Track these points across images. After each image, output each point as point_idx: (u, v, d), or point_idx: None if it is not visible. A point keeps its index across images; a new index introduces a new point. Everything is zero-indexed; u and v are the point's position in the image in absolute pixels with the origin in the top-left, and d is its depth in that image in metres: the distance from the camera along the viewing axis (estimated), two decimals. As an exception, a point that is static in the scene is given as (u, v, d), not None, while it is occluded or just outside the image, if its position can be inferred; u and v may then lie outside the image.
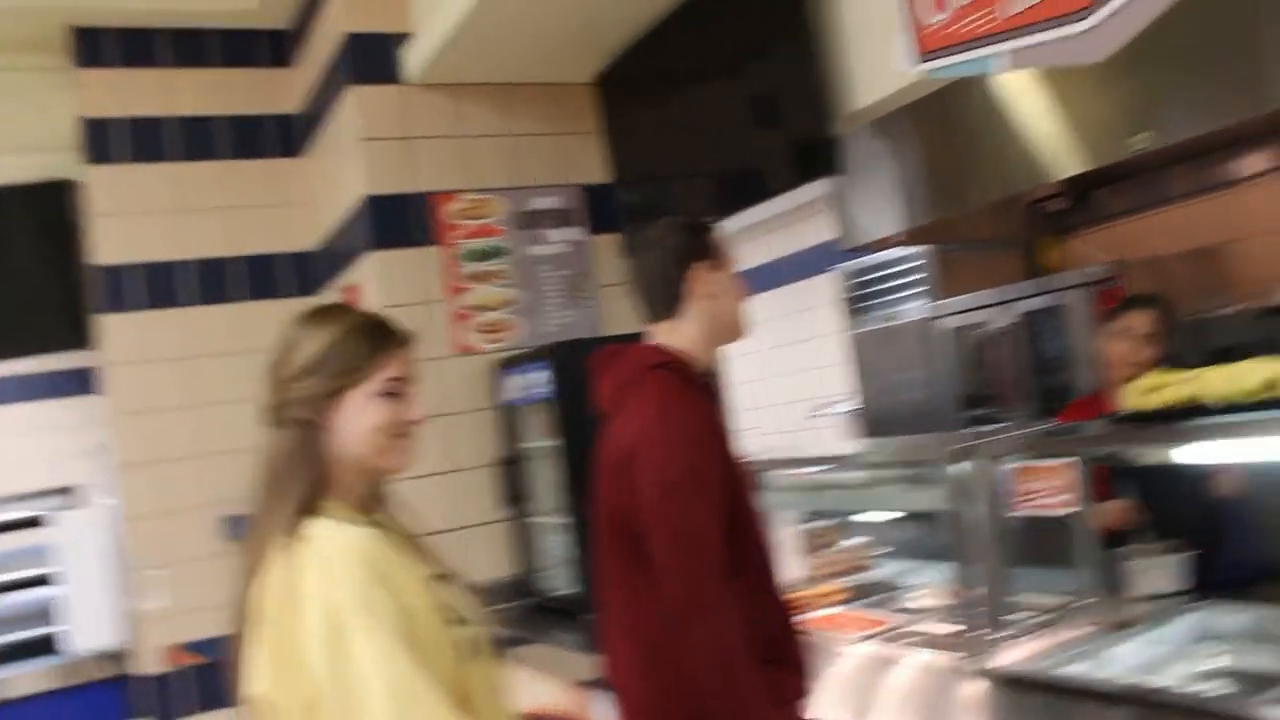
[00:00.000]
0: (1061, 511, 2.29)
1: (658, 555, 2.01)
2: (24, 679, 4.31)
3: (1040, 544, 2.92)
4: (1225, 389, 2.07)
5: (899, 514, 3.97)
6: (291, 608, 1.45)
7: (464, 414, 4.05)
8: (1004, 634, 2.38)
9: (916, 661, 2.50)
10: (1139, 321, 3.09)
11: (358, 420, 1.60)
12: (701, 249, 2.22)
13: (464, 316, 4.08)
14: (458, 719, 1.42)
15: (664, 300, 2.23)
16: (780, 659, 2.11)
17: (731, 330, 2.29)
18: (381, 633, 1.41)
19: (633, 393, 2.16)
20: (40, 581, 4.59)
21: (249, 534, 1.58)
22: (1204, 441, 2.27)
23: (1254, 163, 4.21)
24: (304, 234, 4.69)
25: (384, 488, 1.74)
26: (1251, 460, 2.91)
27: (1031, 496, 2.30)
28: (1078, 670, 2.26)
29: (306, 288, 4.69)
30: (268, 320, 4.58)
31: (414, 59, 4.01)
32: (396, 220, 4.02)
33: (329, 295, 4.51)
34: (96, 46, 4.41)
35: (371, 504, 1.67)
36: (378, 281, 3.96)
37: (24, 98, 4.64)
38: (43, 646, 4.49)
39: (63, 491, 5.42)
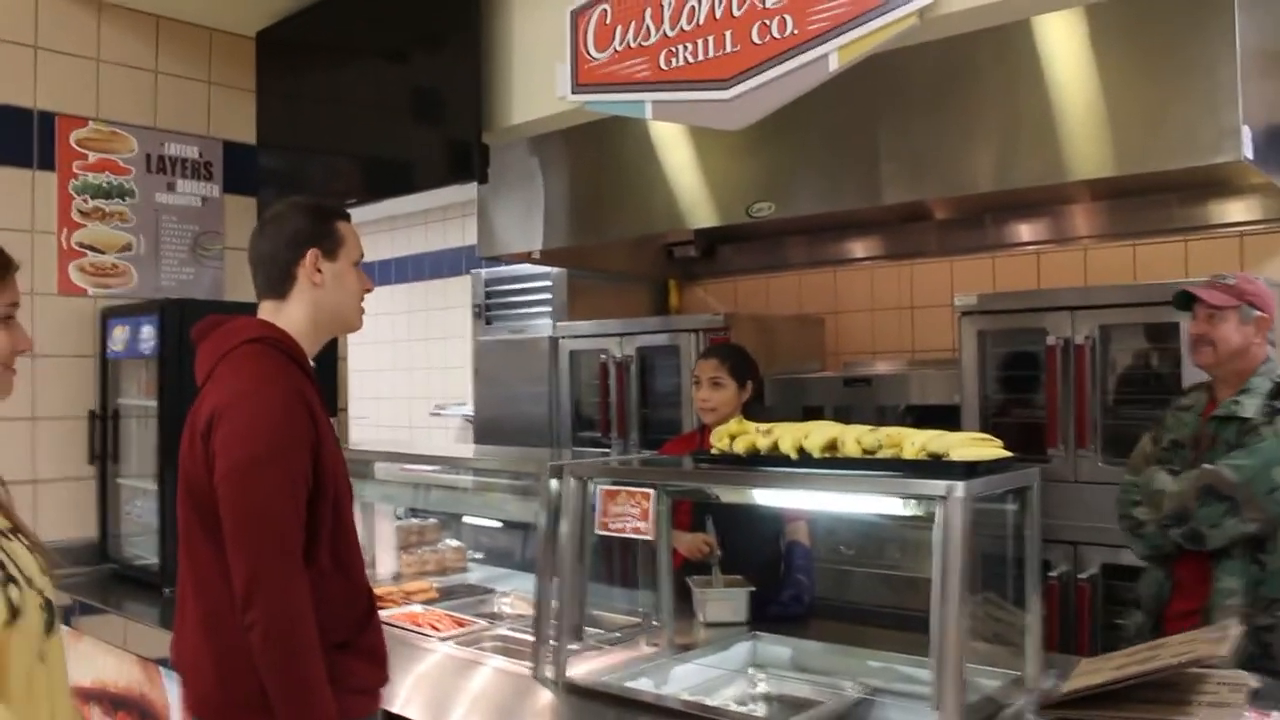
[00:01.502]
0: (641, 536, 2.46)
1: (226, 529, 1.97)
2: None
3: (620, 565, 3.12)
4: (794, 444, 2.31)
5: (498, 521, 4.09)
6: None
7: (59, 358, 3.73)
8: (577, 646, 2.52)
9: (494, 666, 2.59)
10: (708, 369, 3.36)
11: None
12: (319, 235, 2.19)
13: (73, 254, 3.76)
14: None
15: (273, 280, 2.20)
16: (355, 646, 2.10)
17: (339, 323, 2.27)
18: None
19: (225, 364, 2.11)
20: None
21: None
22: (768, 488, 2.51)
23: (859, 248, 4.74)
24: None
25: None
26: (810, 509, 3.26)
27: (616, 519, 2.45)
28: (642, 685, 2.43)
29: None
30: None
31: (57, -39, 3.66)
32: (7, 134, 3.64)
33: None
34: None
35: None
36: (-22, 199, 3.57)
37: None
38: None
39: None
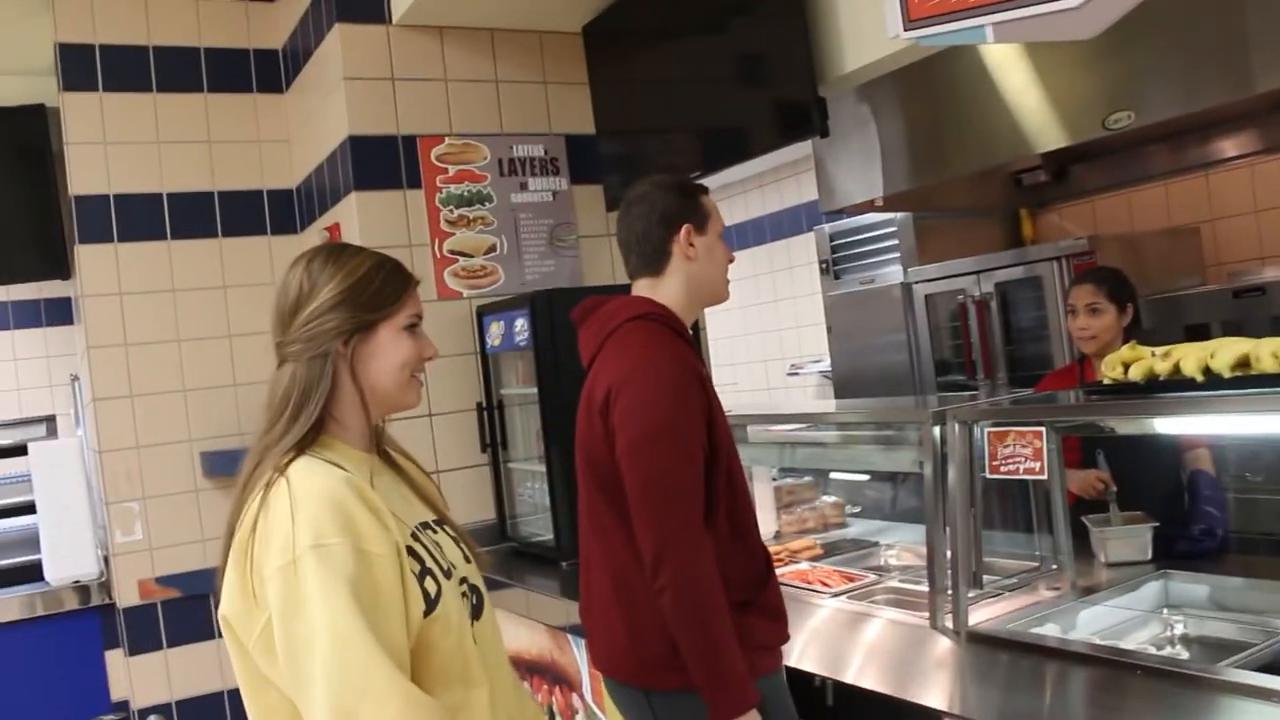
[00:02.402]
0: (1034, 477, 2.34)
1: (632, 500, 2.06)
2: (8, 605, 4.30)
3: (1011, 509, 3.00)
4: (1199, 365, 2.12)
5: (865, 474, 4.05)
6: (259, 540, 1.47)
7: (446, 358, 4.06)
8: (974, 594, 2.45)
9: (887, 618, 2.57)
10: (1083, 295, 3.14)
11: (388, 354, 1.64)
12: (689, 211, 2.24)
13: (446, 261, 4.09)
14: (392, 672, 1.40)
15: (648, 258, 2.27)
16: (756, 604, 2.15)
17: (713, 294, 2.32)
18: (333, 577, 1.40)
19: (613, 341, 2.20)
20: (29, 509, 4.56)
21: (245, 465, 1.58)
22: (1175, 416, 2.31)
23: (1231, 146, 4.29)
24: (285, 172, 4.67)
25: (384, 426, 1.76)
26: (1219, 436, 3.00)
27: (1006, 461, 2.35)
28: (1049, 630, 2.33)
29: (286, 226, 4.68)
30: (247, 257, 4.59)
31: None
32: (378, 162, 3.99)
33: (311, 235, 4.50)
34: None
35: (370, 442, 1.69)
36: (359, 223, 3.95)
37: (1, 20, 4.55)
38: (29, 574, 4.47)
39: (46, 420, 5.38)
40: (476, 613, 1.64)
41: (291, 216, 4.69)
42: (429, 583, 1.53)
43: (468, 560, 1.69)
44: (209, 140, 4.54)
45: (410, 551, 1.53)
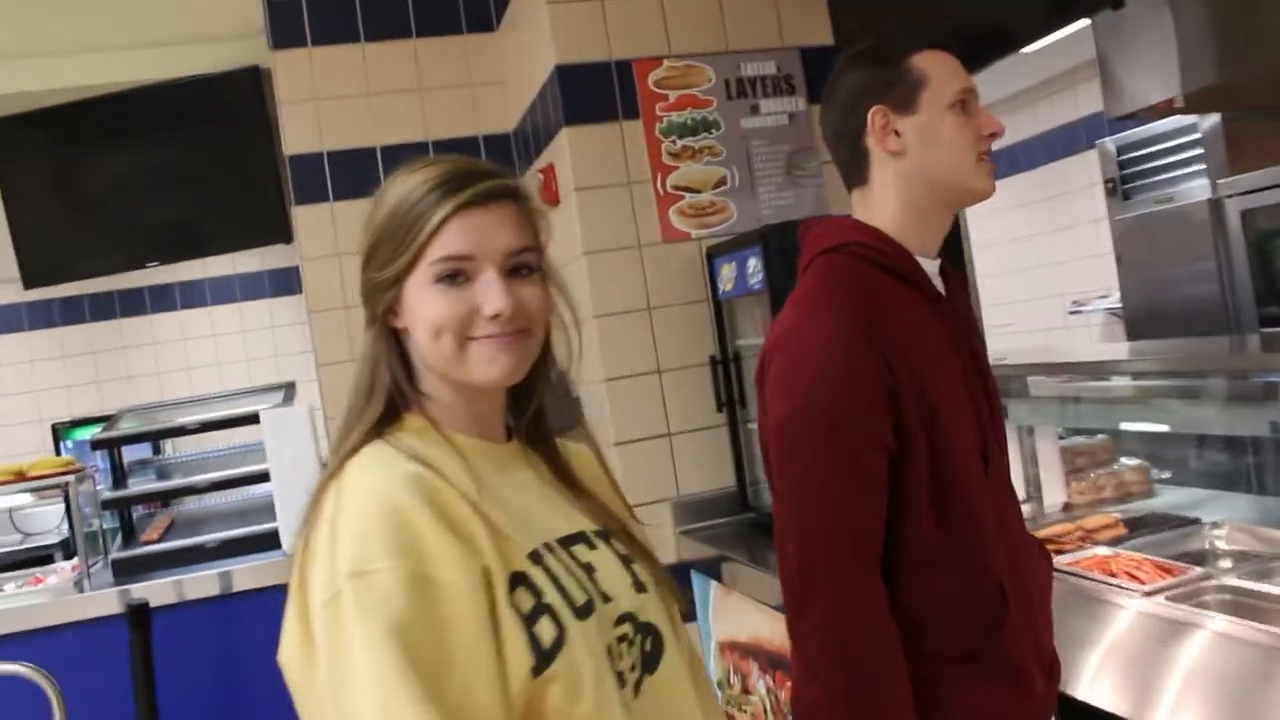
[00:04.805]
0: None
1: (775, 506, 1.58)
2: (249, 573, 4.28)
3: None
4: None
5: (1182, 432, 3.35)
6: (310, 562, 1.10)
7: (673, 307, 3.65)
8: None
9: (1219, 630, 1.91)
10: None
11: (416, 319, 1.23)
12: (883, 85, 1.64)
13: (671, 199, 3.65)
14: None
15: (847, 164, 1.72)
16: (985, 659, 1.56)
17: (953, 192, 1.67)
18: (372, 618, 1.01)
19: (800, 282, 1.69)
20: (265, 477, 4.55)
21: (329, 461, 1.21)
22: None
23: None
24: (500, 115, 4.35)
25: (543, 400, 1.34)
26: None
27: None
28: None
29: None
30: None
31: (610, -93, 3.54)
32: (590, 92, 3.58)
33: (529, 181, 4.17)
34: (278, -79, 4.14)
35: (498, 422, 1.28)
36: (571, 162, 3.57)
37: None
38: (268, 542, 4.45)
39: (283, 388, 5.40)
40: (650, 664, 1.19)
41: (510, 162, 4.37)
42: (544, 625, 1.09)
43: (639, 589, 1.23)
44: (420, 88, 4.26)
45: (520, 579, 1.10)
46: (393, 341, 1.26)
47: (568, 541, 1.21)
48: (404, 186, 1.24)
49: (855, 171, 1.71)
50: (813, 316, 1.60)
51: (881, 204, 1.67)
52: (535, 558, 1.14)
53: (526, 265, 1.26)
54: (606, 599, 1.17)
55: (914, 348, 1.56)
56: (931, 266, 1.69)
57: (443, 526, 1.08)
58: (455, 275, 1.21)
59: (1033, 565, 1.73)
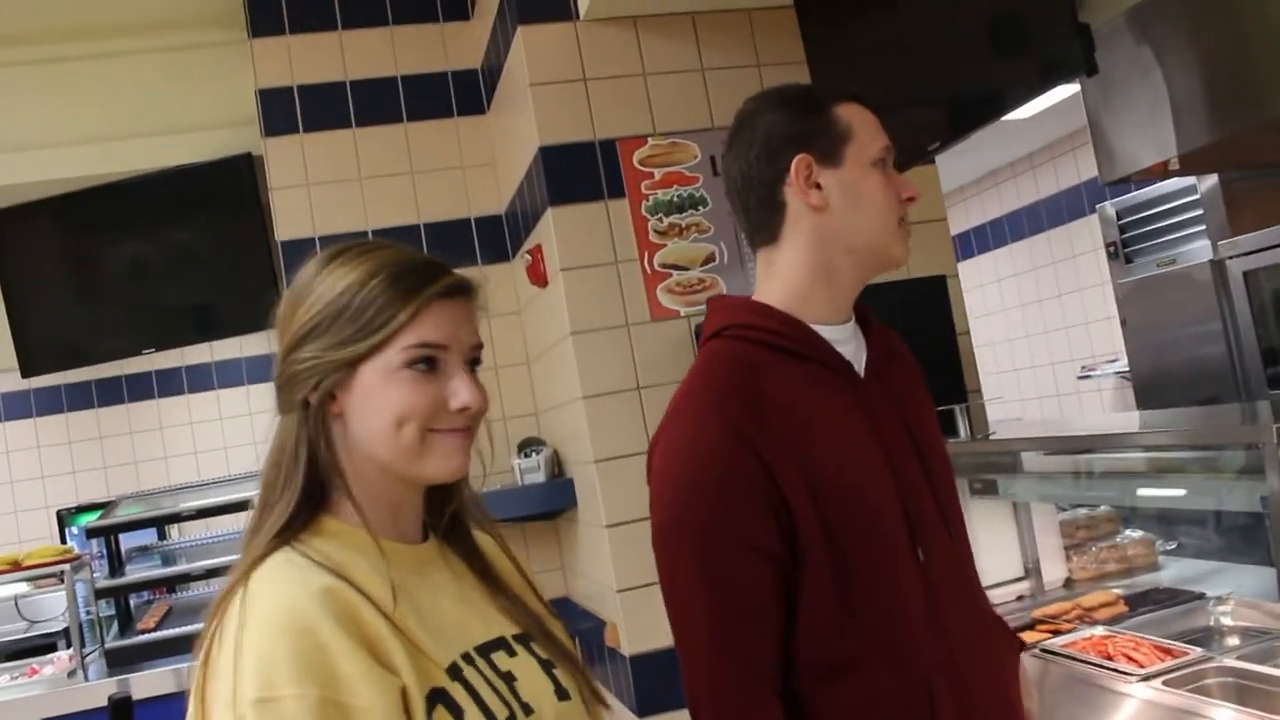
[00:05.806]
0: None
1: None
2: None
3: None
4: None
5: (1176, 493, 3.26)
6: (210, 679, 1.03)
7: (663, 386, 3.57)
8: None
9: (1222, 718, 1.84)
10: None
11: (372, 404, 1.16)
12: (808, 132, 1.47)
13: (659, 277, 3.62)
14: None
15: (755, 215, 1.54)
16: None
17: (869, 258, 1.50)
18: None
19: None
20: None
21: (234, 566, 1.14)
22: None
23: None
24: (492, 196, 4.36)
25: (464, 491, 1.28)
26: None
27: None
28: None
29: (498, 254, 4.35)
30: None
31: (588, -10, 3.56)
32: (574, 172, 3.57)
33: (520, 262, 4.16)
34: (269, 14, 4.19)
35: (415, 521, 1.22)
36: (557, 241, 3.55)
37: (208, 73, 4.53)
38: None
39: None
40: None
41: (502, 243, 4.36)
42: None
43: (561, 695, 1.17)
44: (411, 171, 4.28)
45: (440, 696, 1.05)
46: (324, 429, 1.19)
47: (487, 649, 1.15)
48: (356, 270, 1.19)
49: (764, 226, 1.54)
50: (682, 414, 1.48)
51: (789, 266, 1.51)
52: (454, 671, 1.09)
53: (478, 360, 1.23)
54: (528, 711, 1.12)
55: (810, 433, 1.42)
56: (841, 333, 1.52)
57: (357, 646, 1.02)
58: (430, 362, 1.17)
59: (986, 657, 1.52)
